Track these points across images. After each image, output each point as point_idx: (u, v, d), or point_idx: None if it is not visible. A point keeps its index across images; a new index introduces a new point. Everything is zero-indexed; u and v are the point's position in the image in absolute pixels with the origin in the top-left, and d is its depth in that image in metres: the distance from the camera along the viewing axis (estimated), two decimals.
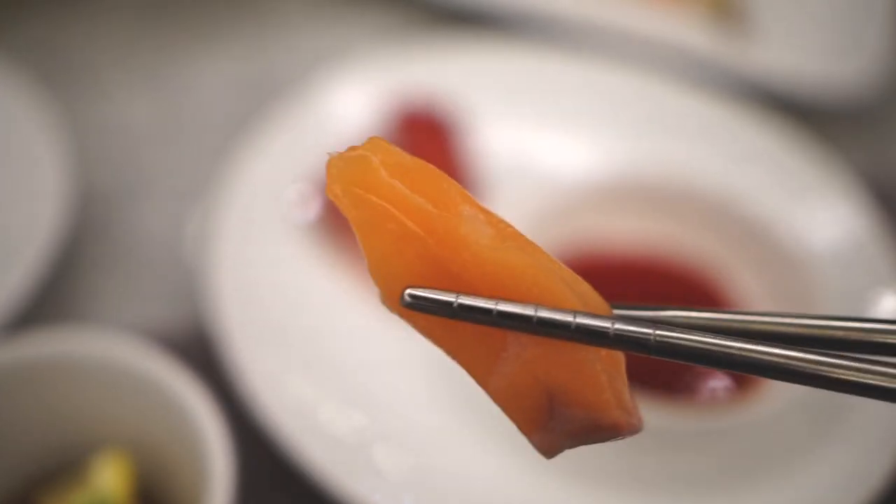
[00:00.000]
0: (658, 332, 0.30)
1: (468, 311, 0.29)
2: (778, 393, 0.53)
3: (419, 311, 0.30)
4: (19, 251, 0.61)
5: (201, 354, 0.61)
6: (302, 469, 0.53)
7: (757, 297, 0.62)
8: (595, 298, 0.31)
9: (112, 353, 0.44)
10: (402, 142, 0.71)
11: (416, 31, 0.93)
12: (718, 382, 0.57)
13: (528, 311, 0.29)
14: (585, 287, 0.31)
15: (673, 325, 0.31)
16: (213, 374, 0.60)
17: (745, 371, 0.29)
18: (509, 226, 0.31)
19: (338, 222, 0.66)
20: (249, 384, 0.54)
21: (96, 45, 0.88)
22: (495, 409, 0.60)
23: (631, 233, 0.66)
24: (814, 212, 0.70)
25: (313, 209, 0.66)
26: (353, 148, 0.34)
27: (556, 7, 0.89)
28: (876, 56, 0.85)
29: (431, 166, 0.32)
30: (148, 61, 0.87)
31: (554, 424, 0.31)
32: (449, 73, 0.78)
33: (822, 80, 0.83)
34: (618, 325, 0.29)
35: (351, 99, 0.75)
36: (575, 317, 0.29)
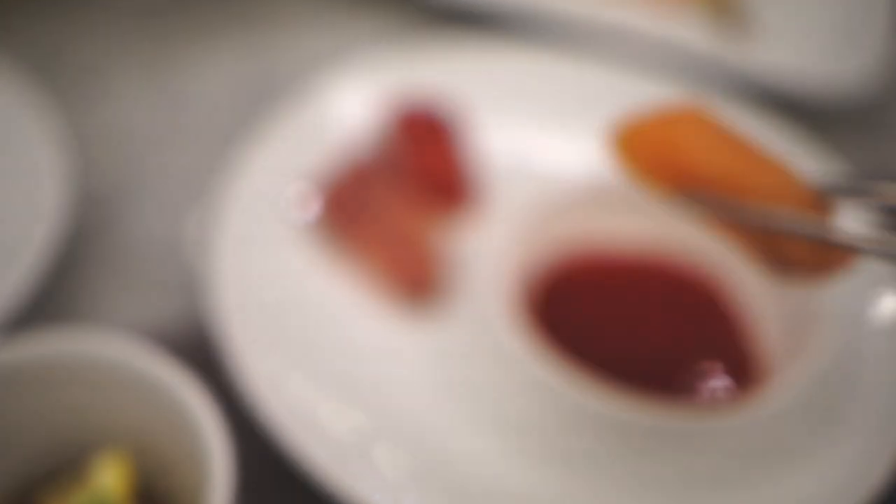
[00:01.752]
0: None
1: None
2: (777, 393, 0.53)
3: None
4: (19, 251, 0.61)
5: (201, 354, 0.61)
6: (302, 469, 0.53)
7: (757, 296, 0.62)
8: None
9: (112, 352, 0.44)
10: (402, 141, 0.71)
11: (418, 31, 0.93)
12: (718, 382, 0.57)
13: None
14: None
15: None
16: (213, 374, 0.60)
17: None
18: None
19: (339, 223, 0.66)
20: (249, 384, 0.54)
21: (97, 46, 0.88)
22: (497, 409, 0.60)
23: (630, 231, 0.66)
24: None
25: (314, 209, 0.66)
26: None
27: (556, 7, 0.89)
28: (877, 55, 0.85)
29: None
30: (149, 62, 0.87)
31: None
32: (449, 72, 0.78)
33: (822, 80, 0.83)
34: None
35: (352, 99, 0.75)
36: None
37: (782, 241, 0.45)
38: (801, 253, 0.45)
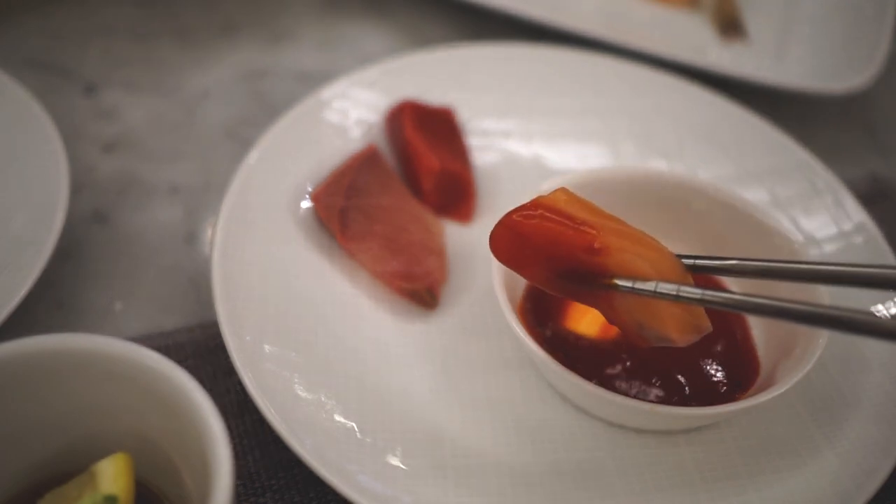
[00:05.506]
0: (704, 291, 0.48)
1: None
2: (777, 392, 0.53)
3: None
4: (19, 251, 0.61)
5: (204, 354, 0.61)
6: (303, 467, 0.53)
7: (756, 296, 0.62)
8: (669, 267, 0.50)
9: (113, 352, 0.44)
10: (404, 140, 0.71)
11: (422, 33, 0.93)
12: (718, 381, 0.57)
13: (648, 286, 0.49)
14: (665, 263, 0.50)
15: (731, 271, 0.51)
16: (216, 374, 0.60)
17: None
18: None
19: (341, 224, 0.65)
20: (251, 384, 0.54)
21: (99, 46, 0.88)
22: (497, 409, 0.60)
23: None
24: (813, 210, 0.70)
25: (320, 210, 0.66)
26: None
27: (557, 7, 0.89)
28: (877, 55, 0.85)
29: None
30: (151, 62, 0.87)
31: (644, 333, 0.51)
32: (450, 72, 0.78)
33: (822, 79, 0.83)
34: (682, 290, 0.48)
35: (355, 101, 0.75)
36: (656, 286, 0.49)
37: (654, 305, 0.49)
38: (674, 312, 0.49)
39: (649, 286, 0.48)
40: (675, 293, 0.48)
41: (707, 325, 0.50)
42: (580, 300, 0.52)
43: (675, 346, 0.50)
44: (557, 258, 0.51)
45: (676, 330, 0.50)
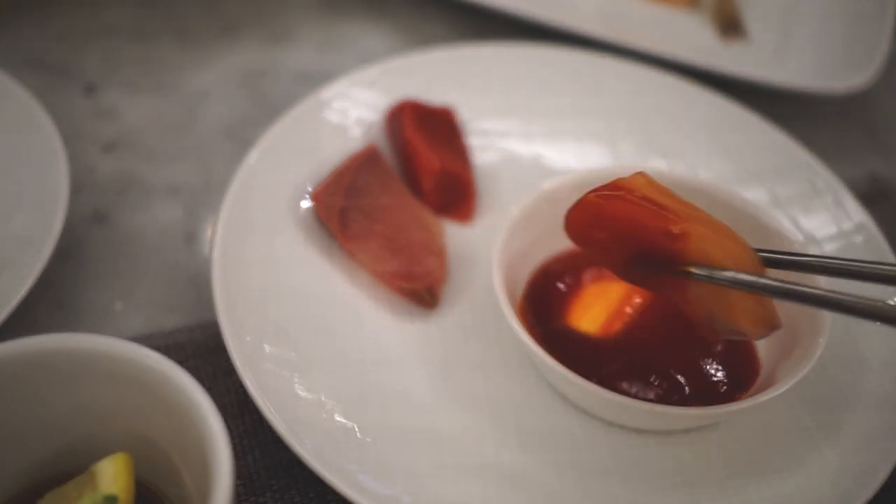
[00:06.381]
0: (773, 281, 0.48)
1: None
2: (777, 392, 0.53)
3: None
4: (19, 251, 0.61)
5: (204, 354, 0.61)
6: (303, 467, 0.53)
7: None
8: (746, 258, 0.50)
9: (113, 352, 0.44)
10: (404, 140, 0.71)
11: (422, 33, 0.93)
12: (718, 381, 0.57)
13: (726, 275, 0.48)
14: (742, 254, 0.49)
15: (809, 268, 0.50)
16: (216, 374, 0.60)
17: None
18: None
19: (341, 224, 0.65)
20: (251, 384, 0.54)
21: (99, 46, 0.88)
22: (497, 409, 0.60)
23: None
24: (813, 210, 0.70)
25: (321, 210, 0.66)
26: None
27: (557, 7, 0.89)
28: (877, 55, 0.85)
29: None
30: (152, 62, 0.87)
31: (715, 325, 0.50)
32: (450, 72, 0.78)
33: (822, 79, 0.83)
34: (760, 280, 0.48)
35: (355, 101, 0.75)
36: (734, 275, 0.48)
37: (729, 296, 0.49)
38: (748, 305, 0.49)
39: (727, 275, 0.48)
40: (752, 283, 0.47)
41: (779, 322, 0.50)
42: (651, 287, 0.52)
43: (746, 339, 0.50)
44: (635, 241, 0.50)
45: (749, 323, 0.49)
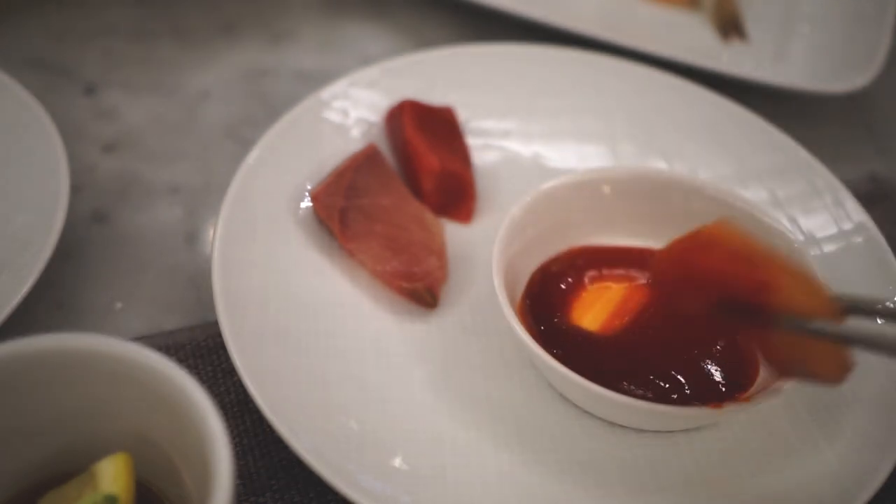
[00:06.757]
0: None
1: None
2: (777, 392, 0.53)
3: None
4: (19, 251, 0.61)
5: (204, 354, 0.61)
6: (303, 467, 0.53)
7: None
8: (827, 306, 0.50)
9: (113, 352, 0.44)
10: (404, 140, 0.71)
11: (422, 34, 0.93)
12: (718, 381, 0.57)
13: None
14: (823, 303, 0.50)
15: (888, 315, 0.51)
16: (216, 374, 0.60)
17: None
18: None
19: (341, 224, 0.65)
20: (251, 384, 0.54)
21: (99, 46, 0.88)
22: (497, 409, 0.60)
23: (628, 230, 0.66)
24: (813, 210, 0.70)
25: (321, 210, 0.66)
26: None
27: (557, 7, 0.89)
28: (877, 55, 0.85)
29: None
30: (151, 62, 0.87)
31: (794, 369, 0.52)
32: (450, 72, 0.78)
33: (822, 79, 0.83)
34: (843, 330, 0.49)
35: (355, 101, 0.75)
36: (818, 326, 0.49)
37: (808, 345, 0.49)
38: (828, 353, 0.49)
39: (812, 326, 0.49)
40: (838, 334, 0.48)
41: (853, 364, 0.50)
42: (735, 333, 0.55)
43: (824, 385, 0.52)
44: (722, 292, 0.51)
45: (827, 369, 0.50)
